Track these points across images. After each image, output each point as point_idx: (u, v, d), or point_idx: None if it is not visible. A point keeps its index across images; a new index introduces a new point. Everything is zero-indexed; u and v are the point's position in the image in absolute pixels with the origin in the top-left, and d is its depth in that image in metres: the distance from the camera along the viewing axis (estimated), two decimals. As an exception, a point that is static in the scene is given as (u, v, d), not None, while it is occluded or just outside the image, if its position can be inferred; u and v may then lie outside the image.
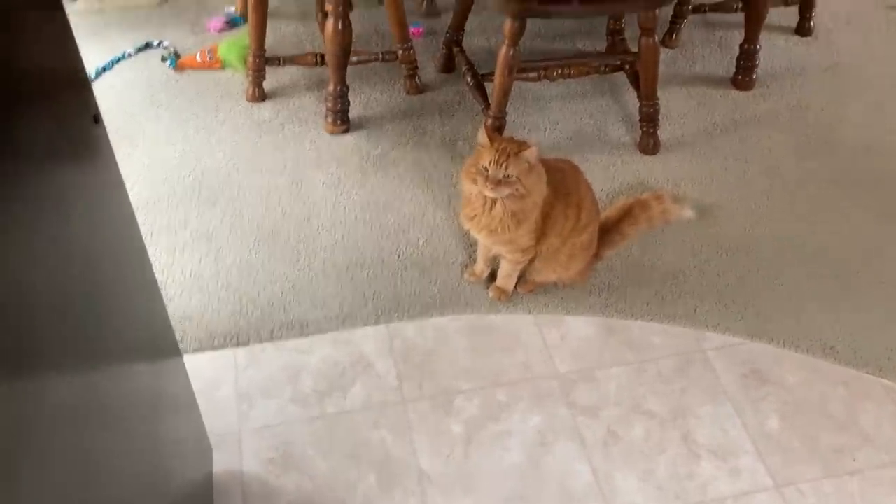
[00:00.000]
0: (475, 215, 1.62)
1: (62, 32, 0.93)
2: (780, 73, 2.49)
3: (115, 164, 1.08)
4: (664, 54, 2.55)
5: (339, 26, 2.04)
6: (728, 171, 2.14)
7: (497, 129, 2.08)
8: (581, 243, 1.71)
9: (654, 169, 2.14)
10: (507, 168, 1.53)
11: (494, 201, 1.58)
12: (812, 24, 2.65)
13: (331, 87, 2.16)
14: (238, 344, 1.69)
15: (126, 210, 1.12)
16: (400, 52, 2.30)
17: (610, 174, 2.11)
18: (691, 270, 1.86)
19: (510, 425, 1.56)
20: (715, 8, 2.56)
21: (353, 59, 2.25)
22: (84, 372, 0.87)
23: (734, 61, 2.42)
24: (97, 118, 0.97)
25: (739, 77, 2.41)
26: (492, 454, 1.51)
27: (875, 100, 2.39)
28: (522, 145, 1.56)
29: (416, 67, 2.35)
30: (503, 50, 1.96)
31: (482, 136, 1.56)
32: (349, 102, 2.22)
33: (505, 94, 2.02)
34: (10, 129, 0.73)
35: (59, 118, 0.90)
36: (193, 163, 2.13)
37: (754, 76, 2.40)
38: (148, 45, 2.54)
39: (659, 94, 2.32)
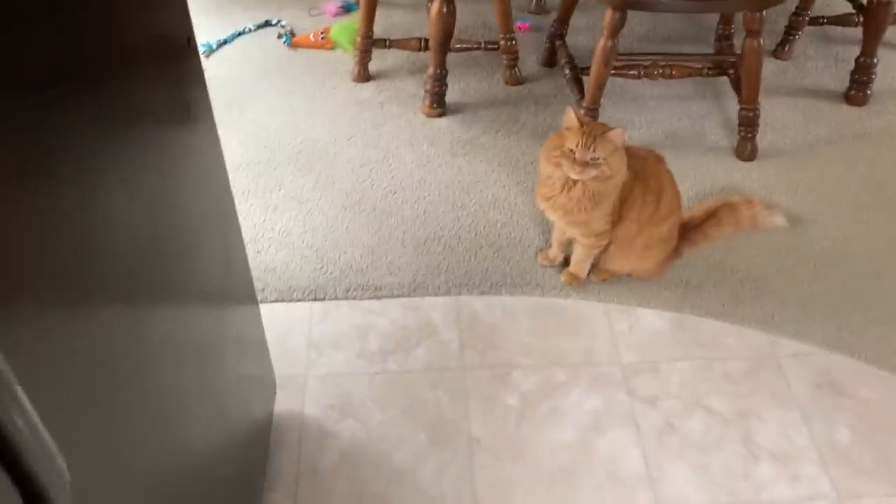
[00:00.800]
0: (552, 196, 1.63)
1: (181, 4, 1.01)
2: (898, 92, 2.38)
3: (215, 128, 1.15)
4: (775, 65, 2.50)
5: (444, 9, 2.11)
6: (828, 183, 2.06)
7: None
8: (659, 234, 1.69)
9: (749, 175, 2.09)
10: (594, 150, 1.54)
11: (574, 182, 1.58)
12: (941, 44, 2.51)
13: (430, 70, 2.23)
14: (315, 299, 1.77)
15: (220, 169, 1.19)
16: (502, 43, 2.34)
17: (702, 175, 2.07)
18: (774, 276, 1.80)
19: (566, 404, 1.56)
20: (833, 21, 2.47)
21: (456, 46, 2.32)
22: (170, 310, 0.94)
23: (849, 76, 2.33)
24: (190, 41, 1.04)
25: (853, 92, 2.31)
26: (543, 429, 1.52)
27: None
28: (607, 127, 1.56)
29: (517, 58, 2.38)
30: (601, 42, 1.97)
31: (570, 118, 1.57)
32: (447, 87, 2.27)
33: (600, 85, 2.03)
34: (123, 90, 0.81)
35: (169, 82, 0.97)
36: (294, 132, 2.24)
37: (869, 92, 2.30)
38: (267, 23, 2.69)
39: (764, 102, 2.27)
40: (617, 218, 1.66)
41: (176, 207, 0.97)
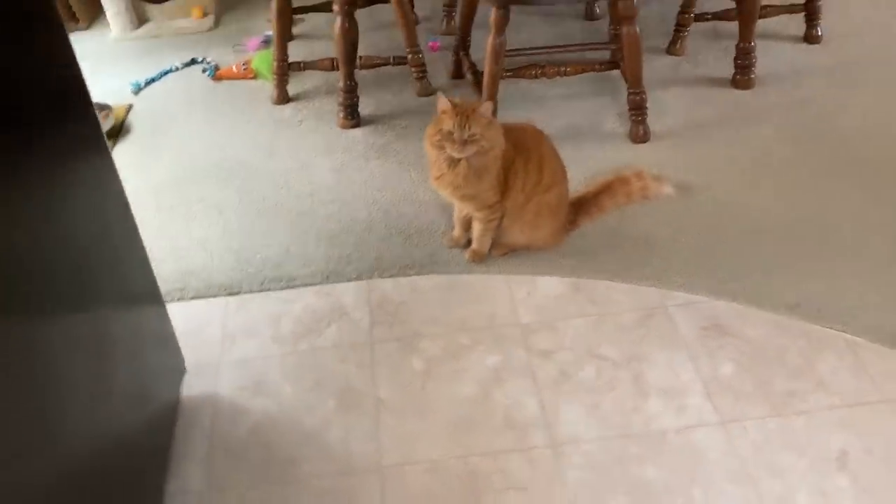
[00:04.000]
0: (441, 174, 1.75)
1: (70, 57, 1.21)
2: (784, 76, 2.54)
3: (110, 160, 1.34)
4: (669, 60, 2.67)
5: (346, 24, 2.26)
6: (716, 156, 2.20)
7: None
8: (547, 203, 1.81)
9: (642, 156, 2.22)
10: (469, 127, 1.66)
11: (459, 159, 1.70)
12: (819, 31, 2.70)
13: (341, 83, 2.37)
14: (231, 293, 1.85)
15: (117, 193, 1.37)
16: (409, 56, 2.49)
17: (598, 159, 2.21)
18: (664, 239, 1.92)
19: (468, 364, 1.64)
20: (718, 16, 2.65)
21: (366, 62, 2.47)
22: (77, 314, 1.11)
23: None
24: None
25: (738, 76, 2.48)
26: (447, 387, 1.60)
27: (877, 96, 2.41)
28: (477, 103, 1.70)
29: (425, 70, 2.53)
30: (490, 39, 2.12)
31: (443, 102, 1.70)
32: (358, 98, 2.41)
33: (494, 80, 2.17)
34: (30, 132, 1.02)
35: (66, 127, 1.18)
36: (216, 151, 2.35)
37: (753, 75, 2.47)
38: (193, 61, 2.83)
39: (658, 93, 2.44)
40: (504, 188, 1.77)
41: (72, 226, 1.15)
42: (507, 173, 1.76)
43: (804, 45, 2.71)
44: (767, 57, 2.60)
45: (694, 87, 2.52)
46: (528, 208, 1.80)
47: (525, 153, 1.76)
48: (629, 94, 2.23)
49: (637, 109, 2.23)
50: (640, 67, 2.18)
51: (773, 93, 2.46)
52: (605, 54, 2.56)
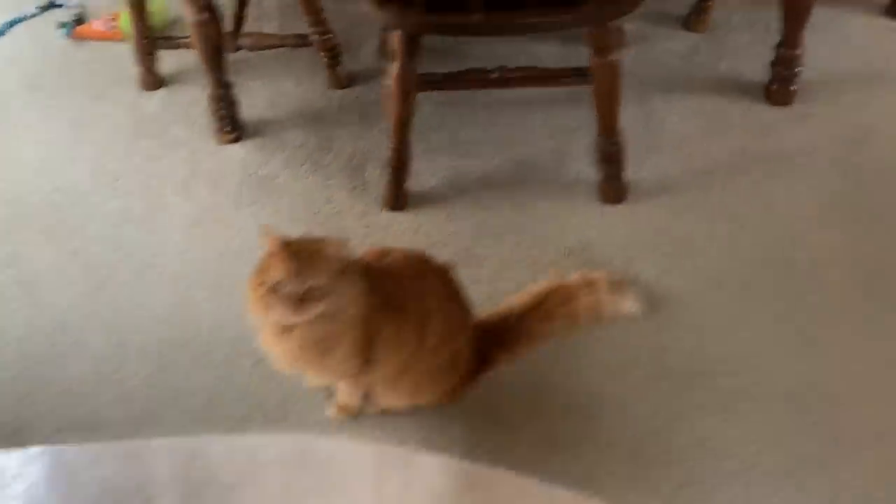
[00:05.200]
0: (269, 344, 1.17)
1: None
2: (839, 78, 1.81)
3: None
4: (686, 41, 1.95)
5: (202, 17, 1.57)
6: (714, 238, 1.56)
7: (398, 167, 1.57)
8: (436, 366, 1.25)
9: (610, 227, 1.59)
10: (310, 276, 1.07)
11: (292, 326, 1.12)
12: (909, 2, 1.91)
13: (209, 90, 1.72)
14: (10, 444, 1.37)
15: None
16: (314, 38, 1.80)
17: (550, 231, 1.58)
18: (597, 402, 1.34)
19: None
20: (762, -20, 1.86)
21: (255, 42, 1.80)
22: None
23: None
24: None
25: (773, 87, 1.76)
26: None
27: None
28: (322, 240, 1.10)
29: (338, 55, 1.86)
30: (394, 69, 1.43)
31: (269, 241, 1.10)
32: (235, 104, 1.77)
33: (402, 124, 1.50)
34: None
35: None
36: (50, 173, 1.78)
37: (793, 88, 1.75)
38: (52, 4, 2.16)
39: (657, 100, 1.79)
40: (368, 358, 1.20)
41: None
42: (367, 342, 1.18)
43: (884, 22, 1.92)
44: (825, 36, 1.83)
45: (709, 96, 1.81)
46: (405, 378, 1.24)
47: (399, 313, 1.17)
48: (599, 142, 1.55)
49: (609, 163, 1.57)
50: (615, 111, 1.49)
51: (820, 113, 1.75)
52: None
